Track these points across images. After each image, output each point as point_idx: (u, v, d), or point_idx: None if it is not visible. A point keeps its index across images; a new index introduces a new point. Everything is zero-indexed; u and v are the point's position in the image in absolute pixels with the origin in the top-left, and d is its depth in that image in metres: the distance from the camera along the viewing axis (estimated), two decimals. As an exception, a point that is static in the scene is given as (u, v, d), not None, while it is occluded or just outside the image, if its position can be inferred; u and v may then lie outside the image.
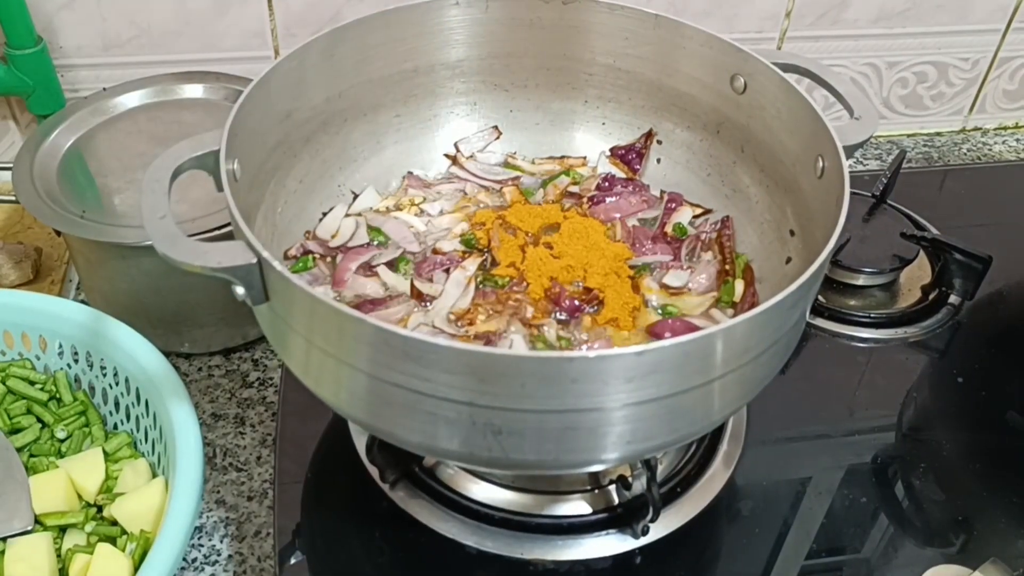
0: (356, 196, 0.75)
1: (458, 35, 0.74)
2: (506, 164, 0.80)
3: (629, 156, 0.79)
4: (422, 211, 0.75)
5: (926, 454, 0.73)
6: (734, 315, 0.66)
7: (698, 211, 0.75)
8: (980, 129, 1.19)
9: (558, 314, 0.65)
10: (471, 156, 0.79)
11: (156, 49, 0.94)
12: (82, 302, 0.76)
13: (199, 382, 0.81)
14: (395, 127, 0.77)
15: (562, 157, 0.81)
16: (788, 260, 0.67)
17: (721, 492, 0.67)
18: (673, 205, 0.75)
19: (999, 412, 0.77)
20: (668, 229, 0.74)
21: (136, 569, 0.60)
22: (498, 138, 0.80)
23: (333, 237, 0.72)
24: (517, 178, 0.78)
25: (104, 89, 0.89)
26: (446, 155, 0.80)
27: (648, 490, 0.62)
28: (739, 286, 0.69)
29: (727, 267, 0.70)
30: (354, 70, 0.71)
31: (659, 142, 0.78)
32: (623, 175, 0.78)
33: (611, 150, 0.80)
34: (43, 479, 0.66)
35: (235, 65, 0.93)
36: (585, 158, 0.80)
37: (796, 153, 0.65)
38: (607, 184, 0.77)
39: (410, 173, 0.78)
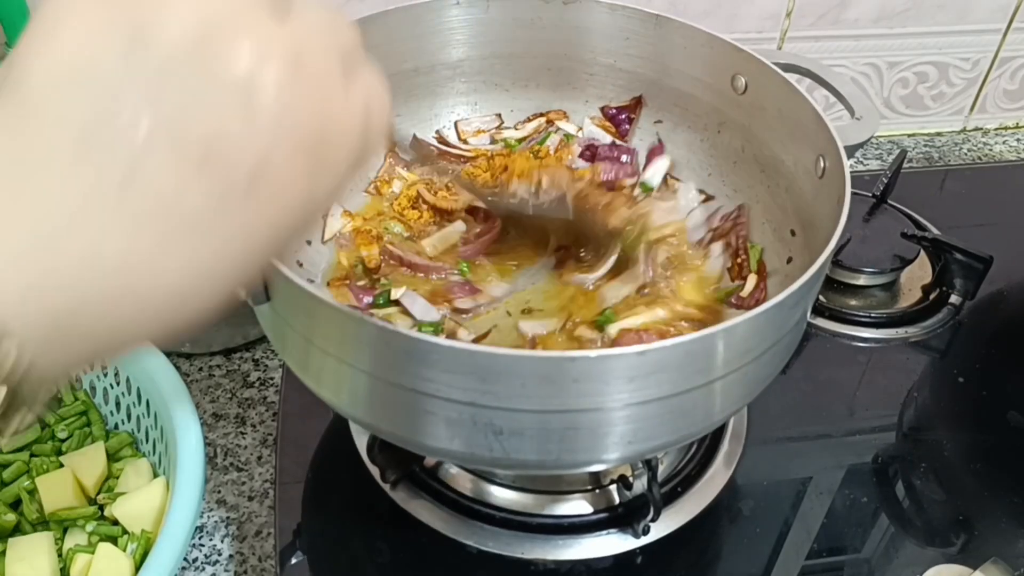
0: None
1: (459, 35, 0.75)
2: (492, 140, 0.80)
3: (620, 117, 0.78)
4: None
5: (927, 454, 0.73)
6: (739, 308, 0.66)
7: (703, 197, 0.75)
8: (981, 129, 1.19)
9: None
10: (464, 140, 0.79)
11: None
12: (83, 302, 0.76)
13: (200, 382, 0.81)
14: (395, 127, 0.77)
15: (547, 112, 0.80)
16: (789, 260, 0.67)
17: (722, 492, 0.67)
18: (655, 158, 0.76)
19: (999, 412, 0.77)
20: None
21: (137, 569, 0.60)
22: (500, 126, 0.80)
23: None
24: (505, 150, 0.78)
25: (105, 89, 0.89)
26: (435, 133, 0.79)
27: (649, 490, 0.62)
28: (751, 280, 0.68)
29: (739, 260, 0.69)
30: (354, 70, 0.71)
31: (660, 141, 0.78)
32: (609, 138, 0.78)
33: (601, 109, 0.79)
34: (50, 479, 0.66)
35: (236, 65, 0.93)
36: (565, 112, 0.80)
37: (797, 153, 0.65)
38: (588, 153, 0.77)
39: (392, 152, 0.77)
